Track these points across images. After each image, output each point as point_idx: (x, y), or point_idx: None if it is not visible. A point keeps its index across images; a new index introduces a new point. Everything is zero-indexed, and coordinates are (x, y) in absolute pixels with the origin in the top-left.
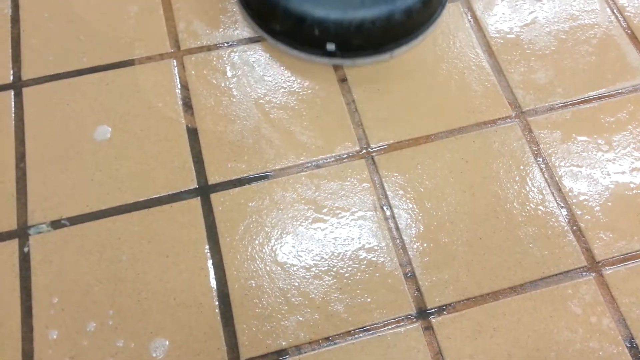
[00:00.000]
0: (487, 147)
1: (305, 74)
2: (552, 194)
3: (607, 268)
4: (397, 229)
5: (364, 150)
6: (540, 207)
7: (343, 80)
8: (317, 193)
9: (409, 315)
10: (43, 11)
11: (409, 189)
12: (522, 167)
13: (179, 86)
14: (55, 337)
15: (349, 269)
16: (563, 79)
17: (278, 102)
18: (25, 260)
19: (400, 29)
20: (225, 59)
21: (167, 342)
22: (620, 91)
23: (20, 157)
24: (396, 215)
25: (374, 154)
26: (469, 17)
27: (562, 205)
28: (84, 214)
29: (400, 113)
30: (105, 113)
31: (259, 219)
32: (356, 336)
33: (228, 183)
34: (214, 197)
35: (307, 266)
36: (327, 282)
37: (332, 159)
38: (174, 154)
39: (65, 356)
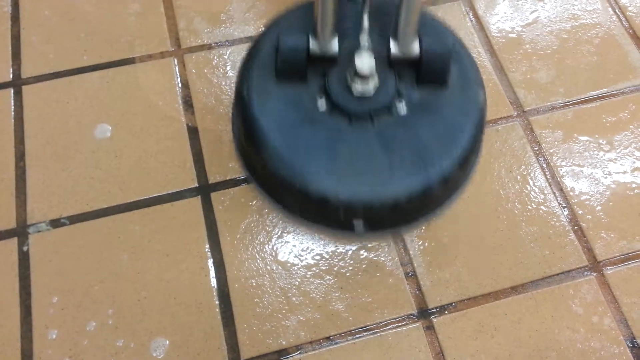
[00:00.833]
0: (489, 147)
1: None
2: (554, 193)
3: (609, 268)
4: None
5: None
6: (542, 207)
7: None
8: None
9: (410, 314)
10: (43, 9)
11: None
12: (523, 167)
13: (180, 85)
14: (54, 336)
15: (350, 268)
16: (564, 78)
17: None
18: (24, 259)
19: (438, 198)
20: (225, 57)
21: (168, 342)
22: (621, 91)
23: (20, 156)
24: None
25: None
26: (471, 17)
27: (564, 204)
28: (84, 213)
29: None
30: (105, 111)
31: (259, 218)
32: (357, 336)
33: (229, 182)
34: (214, 196)
35: (308, 265)
36: (327, 282)
37: None
38: (175, 153)
39: (65, 356)
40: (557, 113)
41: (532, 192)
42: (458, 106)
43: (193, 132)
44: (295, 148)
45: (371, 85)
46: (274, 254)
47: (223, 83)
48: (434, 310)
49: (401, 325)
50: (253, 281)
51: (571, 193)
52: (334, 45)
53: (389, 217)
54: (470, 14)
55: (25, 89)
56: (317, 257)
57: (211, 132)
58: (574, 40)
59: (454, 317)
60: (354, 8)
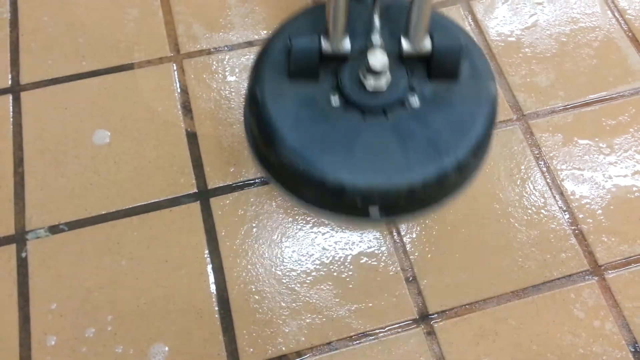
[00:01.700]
0: (489, 151)
1: None
2: (554, 197)
3: (610, 272)
4: (398, 232)
5: None
6: (542, 211)
7: None
8: None
9: (411, 319)
10: (42, 15)
11: None
12: (523, 171)
13: (179, 90)
14: (53, 343)
15: (350, 273)
16: (564, 82)
17: None
18: (22, 266)
19: (452, 185)
20: (224, 62)
21: (167, 348)
22: (621, 94)
23: (19, 162)
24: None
25: None
26: (470, 20)
27: (564, 208)
28: (83, 219)
29: None
30: (104, 117)
31: (259, 224)
32: (357, 341)
33: (227, 187)
34: (213, 201)
35: (308, 271)
36: (327, 287)
37: None
38: (174, 158)
39: None
40: (556, 116)
41: (533, 196)
42: (470, 98)
43: (192, 138)
44: (311, 144)
45: (383, 81)
46: (273, 259)
47: (222, 88)
48: (435, 315)
49: (402, 331)
50: (252, 287)
51: (572, 197)
52: (346, 44)
53: (404, 203)
54: (469, 17)
55: (24, 95)
56: (317, 263)
57: (210, 137)
58: (573, 43)
59: (455, 322)
60: (362, 8)
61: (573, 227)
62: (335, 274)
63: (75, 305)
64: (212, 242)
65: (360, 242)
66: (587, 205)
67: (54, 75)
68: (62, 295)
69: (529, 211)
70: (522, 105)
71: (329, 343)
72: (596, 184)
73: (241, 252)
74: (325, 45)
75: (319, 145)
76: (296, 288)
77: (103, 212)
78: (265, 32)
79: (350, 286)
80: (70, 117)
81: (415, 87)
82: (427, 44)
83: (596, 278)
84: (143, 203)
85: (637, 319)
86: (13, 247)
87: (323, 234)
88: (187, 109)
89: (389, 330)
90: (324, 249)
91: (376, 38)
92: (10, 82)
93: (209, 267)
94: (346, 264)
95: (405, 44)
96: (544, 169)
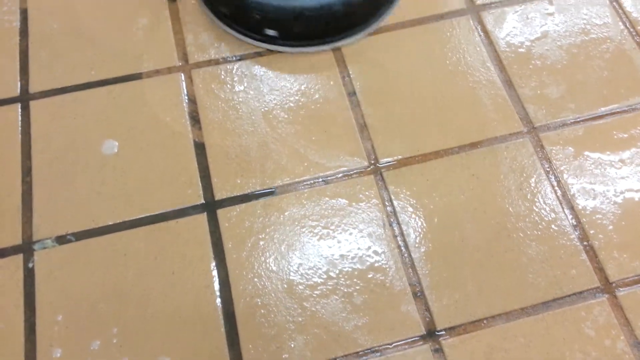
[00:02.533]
0: (498, 164)
1: (313, 86)
2: (564, 212)
3: (621, 289)
4: (406, 247)
5: (373, 166)
6: (553, 226)
7: (351, 94)
8: (324, 209)
9: (418, 336)
10: (51, 24)
11: (418, 206)
12: (533, 184)
13: (187, 100)
14: (59, 355)
15: (357, 287)
16: (575, 94)
17: (286, 116)
18: (29, 276)
19: (342, 21)
20: (233, 72)
21: None
22: (633, 107)
23: (27, 171)
24: (405, 233)
25: (382, 169)
26: (479, 31)
27: (575, 223)
28: (90, 229)
29: (410, 128)
30: (112, 127)
31: (266, 236)
32: (364, 357)
33: (235, 199)
34: (220, 212)
35: (314, 285)
36: (334, 301)
37: (340, 175)
38: (181, 169)
39: None
40: (567, 129)
41: (543, 211)
42: None
43: (200, 148)
44: None
45: None
46: (280, 272)
47: (230, 98)
48: (443, 331)
49: (409, 347)
50: (258, 300)
51: (582, 211)
52: None
53: (295, 29)
54: (479, 28)
55: (33, 104)
56: (324, 276)
57: (218, 147)
58: (584, 55)
59: (463, 339)
60: None
61: (584, 243)
62: (342, 288)
63: (81, 317)
64: (218, 254)
65: (367, 256)
66: (598, 221)
67: (63, 85)
68: (68, 306)
69: (539, 226)
70: (532, 118)
71: (335, 359)
72: (607, 199)
73: (248, 264)
74: None
75: None
76: (303, 302)
77: (110, 223)
78: None
79: (358, 301)
80: (78, 127)
81: None
82: None
83: (607, 295)
84: (150, 214)
85: None
86: (20, 257)
87: (330, 247)
88: (195, 119)
89: (395, 346)
90: (331, 262)
91: None
92: (19, 91)
93: (215, 280)
94: (353, 278)
95: None
96: (555, 183)
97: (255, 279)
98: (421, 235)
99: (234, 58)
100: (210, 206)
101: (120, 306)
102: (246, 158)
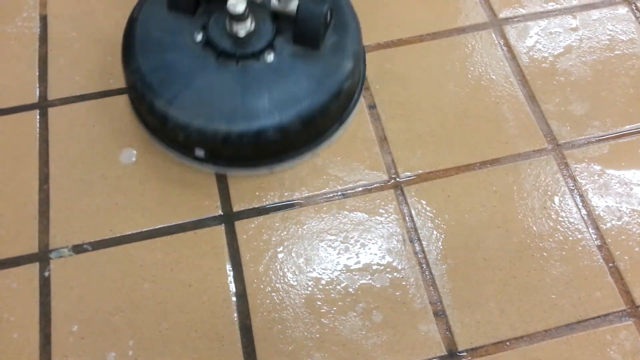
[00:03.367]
0: (521, 181)
1: None
2: (589, 232)
3: None
4: (427, 264)
5: (393, 180)
6: (577, 246)
7: (371, 107)
8: (343, 223)
9: (439, 356)
10: (71, 31)
11: (439, 222)
12: (557, 203)
13: None
14: None
15: (377, 304)
16: (600, 111)
17: None
18: (45, 285)
19: (276, 147)
20: None
21: None
22: None
23: (44, 179)
24: (426, 250)
25: (402, 184)
26: (502, 45)
27: (600, 244)
28: (107, 239)
29: (431, 142)
30: (131, 136)
31: (284, 249)
32: None
33: (253, 211)
34: (238, 224)
35: (333, 300)
36: (353, 318)
37: (360, 189)
38: (199, 179)
39: None
40: (592, 147)
41: (567, 230)
42: (320, 69)
43: None
44: (157, 68)
45: (242, 28)
46: (298, 286)
47: None
48: (464, 352)
49: None
50: (276, 315)
51: (608, 232)
52: None
53: (226, 152)
54: (502, 42)
55: (51, 110)
56: (343, 292)
57: None
58: (609, 71)
59: None
60: None
61: (609, 264)
62: (361, 304)
63: (96, 328)
64: (236, 266)
65: (387, 272)
66: (624, 242)
67: (82, 92)
68: (83, 317)
69: (564, 246)
70: (556, 135)
71: None
72: (634, 219)
73: (265, 277)
74: None
75: (162, 72)
76: (321, 318)
77: (127, 233)
78: None
79: (377, 318)
80: (96, 135)
81: (276, 45)
82: (293, 4)
83: (633, 319)
84: (167, 225)
85: None
86: (36, 265)
87: (349, 262)
88: None
89: None
90: (350, 278)
91: None
92: (37, 98)
93: (233, 293)
94: (372, 295)
95: (274, 0)
96: (579, 202)
97: (273, 293)
98: (442, 253)
99: None
100: (229, 218)
101: (136, 317)
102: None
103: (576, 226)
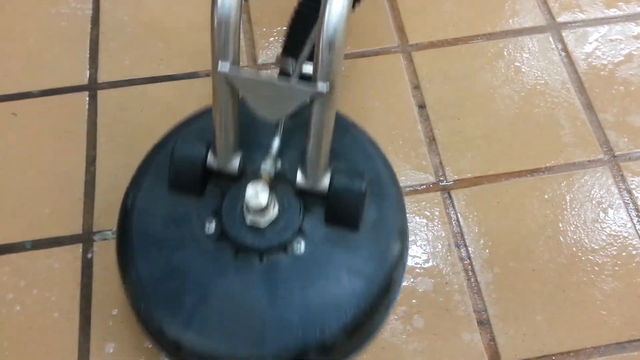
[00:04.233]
0: (575, 191)
1: (384, 91)
2: None
3: None
4: (473, 271)
5: (440, 183)
6: (631, 263)
7: (421, 107)
8: None
9: None
10: (123, 14)
11: (487, 229)
12: (611, 216)
13: None
14: (112, 350)
15: (419, 308)
16: None
17: None
18: (87, 267)
19: None
20: None
21: None
22: None
23: (91, 160)
24: (472, 256)
25: (450, 187)
26: (560, 50)
27: None
28: None
29: (482, 145)
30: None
31: None
32: None
33: None
34: None
35: None
36: (394, 321)
37: (406, 189)
38: None
39: None
40: None
41: (621, 245)
42: (364, 258)
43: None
44: (162, 278)
45: (264, 219)
46: None
47: None
48: None
49: None
50: None
51: None
52: (234, 164)
53: None
54: (559, 47)
55: (101, 93)
56: None
57: None
58: None
59: None
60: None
61: None
62: (403, 307)
63: None
64: None
65: (431, 277)
66: None
67: (131, 76)
68: (124, 301)
69: (617, 261)
70: (613, 145)
71: None
72: None
73: None
74: (211, 159)
75: (170, 283)
76: None
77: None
78: None
79: (419, 323)
80: (144, 120)
81: (305, 229)
82: (324, 182)
83: None
84: None
85: None
86: (79, 246)
87: None
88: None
89: None
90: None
91: (267, 166)
92: (87, 80)
93: None
94: (414, 298)
95: (300, 178)
96: (635, 217)
97: None
98: (489, 260)
99: None
100: None
101: None
102: None
103: (630, 241)
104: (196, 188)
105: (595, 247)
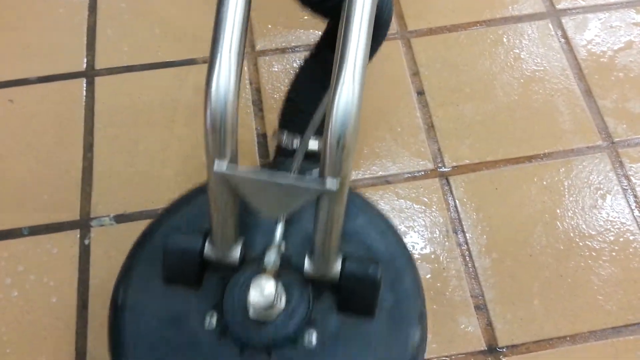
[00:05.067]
0: (573, 177)
1: (380, 80)
2: None
3: None
4: (470, 256)
5: (439, 169)
6: (629, 248)
7: (419, 93)
8: (386, 209)
9: (478, 351)
10: (120, 1)
11: (485, 215)
12: (609, 202)
13: (252, 88)
14: None
15: None
16: None
17: None
18: (85, 253)
19: None
20: (298, 62)
21: None
22: None
23: (89, 147)
24: (469, 242)
25: (448, 174)
26: (560, 37)
27: None
28: (148, 210)
29: (480, 132)
30: (175, 109)
31: None
32: None
33: None
34: None
35: None
36: None
37: (405, 175)
38: (243, 154)
39: None
40: None
41: (618, 231)
42: (382, 350)
43: (262, 138)
44: None
45: (271, 312)
46: None
47: None
48: (504, 349)
49: None
50: None
51: None
52: (234, 254)
53: None
54: (559, 33)
55: (98, 80)
56: None
57: None
58: None
59: (525, 358)
60: None
61: None
62: None
63: None
64: None
65: (428, 263)
66: None
67: (129, 63)
68: None
69: (614, 247)
70: (611, 132)
71: None
72: None
73: None
74: (209, 249)
75: None
76: None
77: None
78: None
79: None
80: (142, 106)
81: (316, 319)
82: (334, 269)
83: None
84: None
85: None
86: (77, 232)
87: None
88: (258, 107)
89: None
90: None
91: (271, 258)
92: (85, 66)
93: None
94: None
95: (308, 265)
96: (632, 203)
97: None
98: (487, 246)
99: (300, 49)
100: None
101: None
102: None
103: (628, 227)
104: (193, 280)
105: (593, 232)
